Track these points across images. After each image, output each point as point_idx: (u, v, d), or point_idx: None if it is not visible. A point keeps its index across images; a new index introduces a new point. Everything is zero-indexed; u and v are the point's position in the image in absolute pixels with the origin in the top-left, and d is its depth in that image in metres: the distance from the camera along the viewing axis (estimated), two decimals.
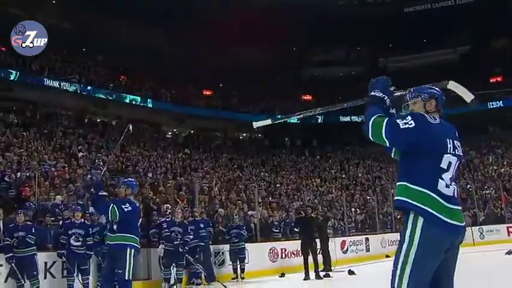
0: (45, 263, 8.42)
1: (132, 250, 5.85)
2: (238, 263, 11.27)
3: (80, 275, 8.45)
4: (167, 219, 10.11)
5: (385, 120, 2.65)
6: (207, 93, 32.92)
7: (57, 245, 8.61)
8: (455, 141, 2.75)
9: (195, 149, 26.34)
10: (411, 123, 2.60)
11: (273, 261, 12.70)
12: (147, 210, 11.55)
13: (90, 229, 8.79)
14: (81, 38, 26.19)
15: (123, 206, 5.83)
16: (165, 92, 29.18)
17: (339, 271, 12.04)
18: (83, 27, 26.85)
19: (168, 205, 11.90)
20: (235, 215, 12.58)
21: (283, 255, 12.97)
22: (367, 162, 30.61)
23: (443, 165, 2.66)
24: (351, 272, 11.47)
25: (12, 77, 21.80)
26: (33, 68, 22.98)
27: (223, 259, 11.47)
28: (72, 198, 11.33)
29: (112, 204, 5.84)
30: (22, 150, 15.30)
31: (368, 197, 23.56)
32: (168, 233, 9.63)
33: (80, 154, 17.31)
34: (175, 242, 9.49)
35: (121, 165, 17.63)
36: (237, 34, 28.15)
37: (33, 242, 7.89)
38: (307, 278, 10.63)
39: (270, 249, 12.77)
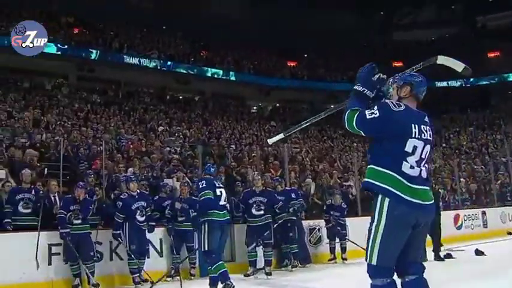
0: (110, 243, 7.13)
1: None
2: (337, 241, 9.33)
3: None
4: (246, 190, 8.58)
5: (357, 113, 2.87)
6: (292, 64, 31.05)
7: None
8: (422, 126, 2.89)
9: (281, 121, 24.68)
10: (376, 113, 2.82)
11: None
12: (229, 182, 10.02)
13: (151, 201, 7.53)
14: (160, 15, 25.66)
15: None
16: (247, 64, 27.97)
17: (458, 250, 9.79)
18: (162, 4, 26.32)
19: (253, 172, 10.22)
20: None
21: None
22: (469, 130, 27.89)
23: (408, 148, 2.83)
24: (479, 252, 9.23)
25: (93, 56, 21.72)
26: (113, 46, 22.53)
27: (320, 236, 9.60)
28: (145, 170, 10.09)
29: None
30: (99, 124, 14.48)
31: (476, 166, 20.37)
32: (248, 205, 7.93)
33: (160, 128, 16.29)
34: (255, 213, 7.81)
35: (203, 137, 16.43)
36: None
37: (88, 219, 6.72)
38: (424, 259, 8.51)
39: None
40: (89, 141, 11.89)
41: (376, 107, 2.83)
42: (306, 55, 32.07)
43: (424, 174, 2.85)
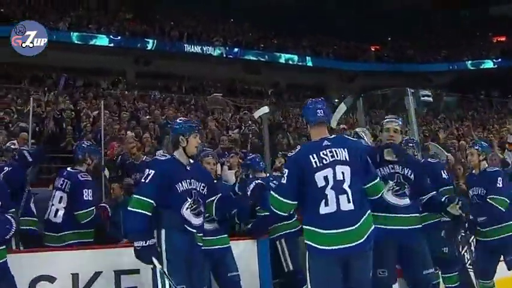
0: None
1: None
2: None
3: None
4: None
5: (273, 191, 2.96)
6: (374, 48, 27.31)
7: None
8: (320, 153, 2.81)
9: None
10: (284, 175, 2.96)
11: None
12: None
13: None
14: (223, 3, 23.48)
15: None
16: (325, 49, 24.48)
17: None
18: None
19: None
20: None
21: None
22: None
23: (320, 183, 2.76)
24: None
25: (149, 47, 19.50)
26: (172, 34, 19.98)
27: None
28: None
29: None
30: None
31: None
32: None
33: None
34: None
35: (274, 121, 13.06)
36: None
37: None
38: None
39: None
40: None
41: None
42: (389, 38, 28.39)
43: (345, 203, 2.75)
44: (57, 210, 3.96)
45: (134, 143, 6.38)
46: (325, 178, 2.73)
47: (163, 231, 2.95)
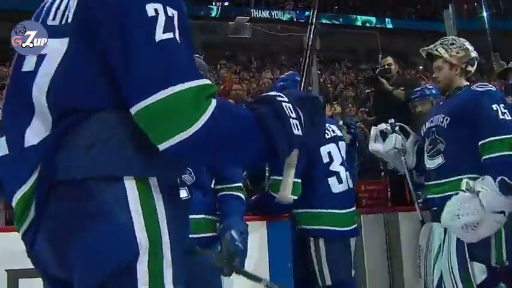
0: None
1: None
2: None
3: None
4: None
5: None
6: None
7: None
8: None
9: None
10: None
11: None
12: None
13: None
14: None
15: None
16: (406, 10, 22.44)
17: None
18: None
19: None
20: None
21: None
22: None
23: (325, 158, 2.74)
24: None
25: (213, 14, 18.42)
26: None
27: None
28: None
29: None
30: None
31: None
32: None
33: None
34: None
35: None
36: None
37: None
38: None
39: None
40: None
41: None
42: None
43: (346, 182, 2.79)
44: None
45: None
46: (329, 154, 2.78)
47: None
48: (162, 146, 0.89)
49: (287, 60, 18.19)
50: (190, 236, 1.90)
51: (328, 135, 2.80)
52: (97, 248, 0.91)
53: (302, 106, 1.05)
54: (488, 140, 2.45)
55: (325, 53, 20.42)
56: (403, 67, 19.90)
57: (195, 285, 1.86)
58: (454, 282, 2.48)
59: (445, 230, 2.58)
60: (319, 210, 2.67)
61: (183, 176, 2.01)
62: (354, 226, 2.77)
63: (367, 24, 20.74)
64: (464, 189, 2.38)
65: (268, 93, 1.09)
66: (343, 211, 2.70)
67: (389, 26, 21.06)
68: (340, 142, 2.82)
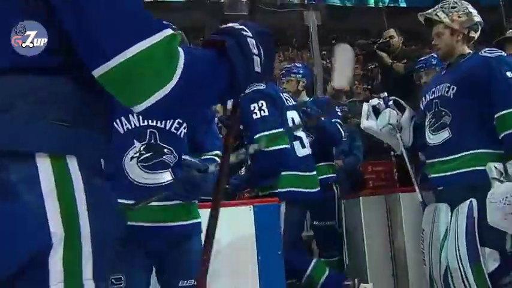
0: None
1: None
2: None
3: None
4: None
5: None
6: None
7: None
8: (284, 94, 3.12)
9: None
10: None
11: None
12: None
13: None
14: None
15: None
16: None
17: None
18: None
19: None
20: None
21: None
22: None
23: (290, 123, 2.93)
24: None
25: None
26: None
27: None
28: None
29: None
30: None
31: None
32: None
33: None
34: None
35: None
36: None
37: None
38: None
39: None
40: None
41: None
42: None
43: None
44: None
45: None
46: (292, 120, 2.90)
47: None
48: (140, 107, 0.82)
49: (288, 37, 17.99)
50: (173, 223, 1.86)
51: (290, 103, 2.96)
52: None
53: (261, 41, 1.01)
54: (504, 112, 2.20)
55: (337, 34, 20.30)
56: (418, 46, 19.65)
57: (181, 274, 1.86)
58: (462, 270, 2.18)
59: (452, 211, 2.29)
60: (286, 172, 2.75)
61: (164, 157, 1.88)
62: (318, 189, 2.92)
63: (380, 5, 20.35)
64: (495, 176, 2.06)
65: (233, 25, 1.03)
66: (308, 174, 2.83)
67: (403, 4, 20.64)
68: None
